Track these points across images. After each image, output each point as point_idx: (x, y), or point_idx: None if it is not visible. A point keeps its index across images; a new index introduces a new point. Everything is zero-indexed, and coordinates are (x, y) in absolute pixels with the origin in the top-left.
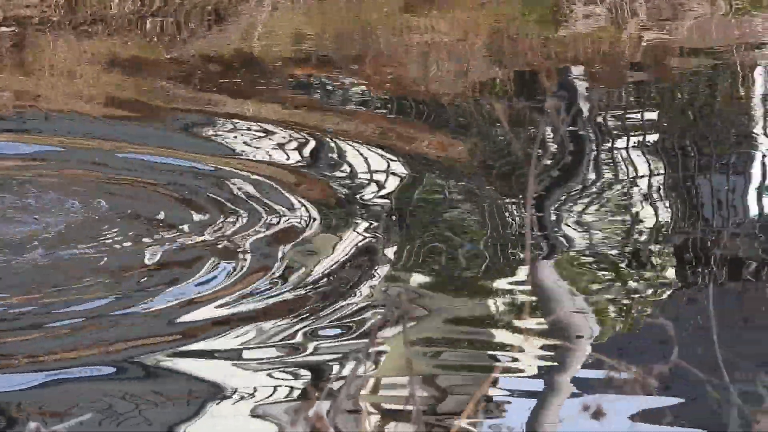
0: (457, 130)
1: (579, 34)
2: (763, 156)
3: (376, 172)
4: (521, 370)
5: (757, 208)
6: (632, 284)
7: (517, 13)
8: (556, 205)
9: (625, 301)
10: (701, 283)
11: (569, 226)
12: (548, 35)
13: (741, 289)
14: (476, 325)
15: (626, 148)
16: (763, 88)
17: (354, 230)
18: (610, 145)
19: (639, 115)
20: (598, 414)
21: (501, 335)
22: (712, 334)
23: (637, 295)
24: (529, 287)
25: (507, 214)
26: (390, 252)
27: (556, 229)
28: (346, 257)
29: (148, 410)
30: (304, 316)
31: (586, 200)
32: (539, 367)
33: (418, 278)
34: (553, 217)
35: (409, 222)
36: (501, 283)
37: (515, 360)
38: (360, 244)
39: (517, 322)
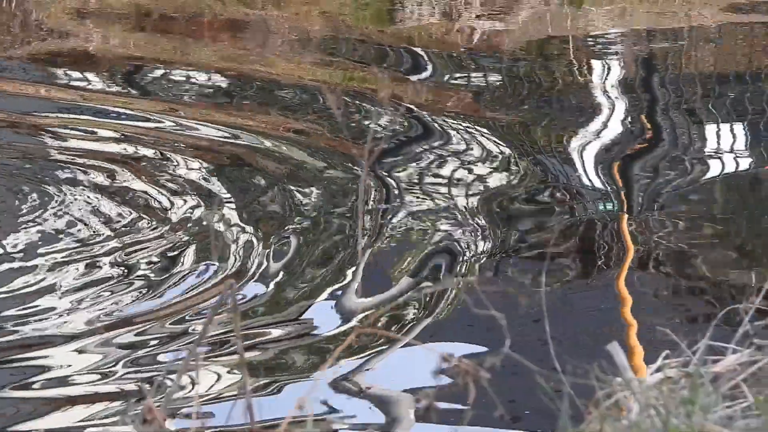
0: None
1: (413, 27)
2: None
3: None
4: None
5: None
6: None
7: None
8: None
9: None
10: (533, 271)
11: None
12: (383, 28)
13: (574, 280)
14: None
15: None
16: (597, 77)
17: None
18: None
19: (475, 99)
20: (429, 409)
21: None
22: (545, 324)
23: (463, 282)
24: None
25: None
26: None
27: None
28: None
29: None
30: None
31: (418, 191)
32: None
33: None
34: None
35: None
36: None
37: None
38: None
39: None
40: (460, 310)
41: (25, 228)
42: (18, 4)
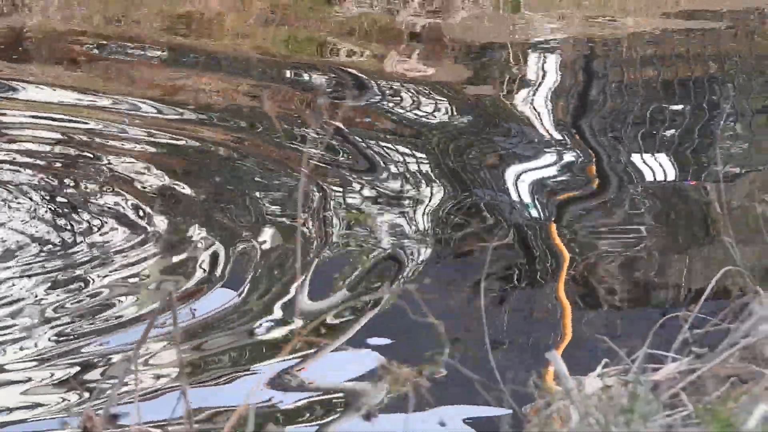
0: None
1: (353, 16)
2: (535, 145)
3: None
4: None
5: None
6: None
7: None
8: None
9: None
10: (474, 281)
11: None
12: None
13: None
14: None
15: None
16: (534, 80)
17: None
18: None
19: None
20: (369, 416)
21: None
22: (485, 334)
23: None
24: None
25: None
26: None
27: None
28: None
29: None
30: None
31: (357, 197)
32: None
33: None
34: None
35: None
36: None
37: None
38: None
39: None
40: (398, 317)
41: None
42: None
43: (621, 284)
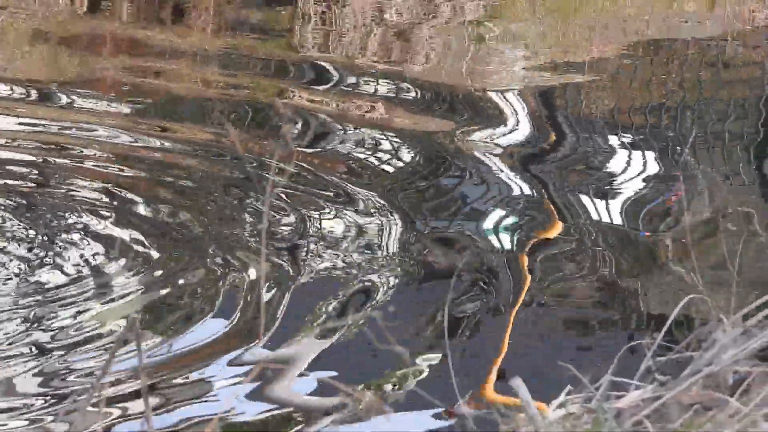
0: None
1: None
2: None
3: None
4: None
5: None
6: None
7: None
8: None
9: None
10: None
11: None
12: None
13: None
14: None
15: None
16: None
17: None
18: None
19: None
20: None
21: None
22: (448, 360)
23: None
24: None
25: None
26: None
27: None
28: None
29: None
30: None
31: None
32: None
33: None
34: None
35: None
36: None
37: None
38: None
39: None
40: (363, 343)
41: None
42: None
43: (583, 312)
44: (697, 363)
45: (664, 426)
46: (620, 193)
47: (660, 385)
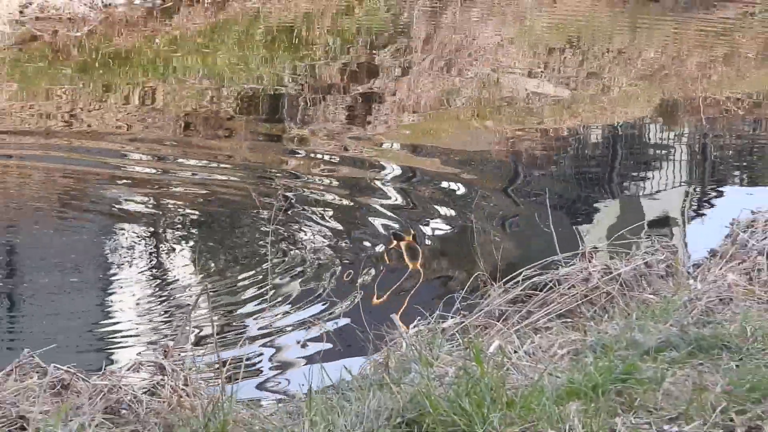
0: None
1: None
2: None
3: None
4: None
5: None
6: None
7: None
8: None
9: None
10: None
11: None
12: None
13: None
14: None
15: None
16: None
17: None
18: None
19: None
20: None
21: None
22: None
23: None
24: None
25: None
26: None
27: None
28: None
29: None
30: None
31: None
32: None
33: None
34: None
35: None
36: None
37: None
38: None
39: None
40: None
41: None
42: None
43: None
44: (481, 305)
45: (466, 336)
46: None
47: (463, 316)
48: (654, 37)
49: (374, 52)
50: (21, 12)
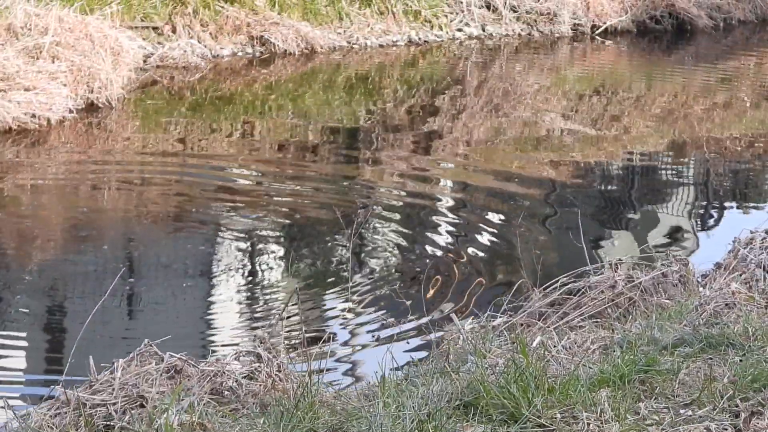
0: None
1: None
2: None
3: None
4: None
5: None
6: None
7: None
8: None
9: None
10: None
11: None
12: None
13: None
14: None
15: None
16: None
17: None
18: None
19: None
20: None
21: None
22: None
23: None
24: None
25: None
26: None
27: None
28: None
29: None
30: None
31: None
32: None
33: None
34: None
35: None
36: None
37: None
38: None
39: None
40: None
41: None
42: None
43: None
44: (525, 307)
45: (513, 332)
46: None
47: (510, 316)
48: (666, 84)
49: (434, 96)
50: (144, 61)
